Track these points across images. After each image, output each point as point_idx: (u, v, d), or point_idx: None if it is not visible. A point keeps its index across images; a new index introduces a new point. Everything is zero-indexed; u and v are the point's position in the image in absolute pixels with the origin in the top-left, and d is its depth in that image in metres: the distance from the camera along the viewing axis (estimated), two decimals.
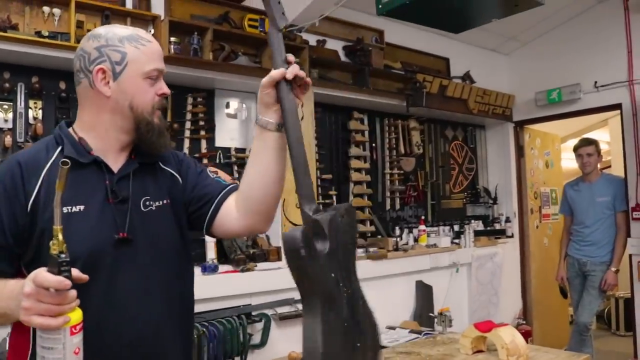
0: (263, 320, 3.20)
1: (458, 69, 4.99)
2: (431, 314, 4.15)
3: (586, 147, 4.43)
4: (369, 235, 4.27)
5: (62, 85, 2.91)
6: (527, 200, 5.46)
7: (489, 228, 5.22)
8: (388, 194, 4.58)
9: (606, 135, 6.68)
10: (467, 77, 5.00)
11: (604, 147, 5.16)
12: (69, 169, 1.01)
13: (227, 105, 3.62)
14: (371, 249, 4.02)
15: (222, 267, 3.18)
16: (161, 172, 1.41)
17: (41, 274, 1.00)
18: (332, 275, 1.23)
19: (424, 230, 4.46)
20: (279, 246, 3.48)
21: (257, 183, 1.35)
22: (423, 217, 4.72)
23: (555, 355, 2.32)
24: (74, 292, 1.02)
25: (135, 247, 1.28)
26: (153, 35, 3.00)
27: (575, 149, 4.52)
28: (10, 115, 2.78)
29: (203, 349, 2.85)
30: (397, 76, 4.36)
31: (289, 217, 3.49)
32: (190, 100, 3.41)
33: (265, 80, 1.29)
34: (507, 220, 5.32)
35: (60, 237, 1.01)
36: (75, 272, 1.03)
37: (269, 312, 3.24)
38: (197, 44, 3.15)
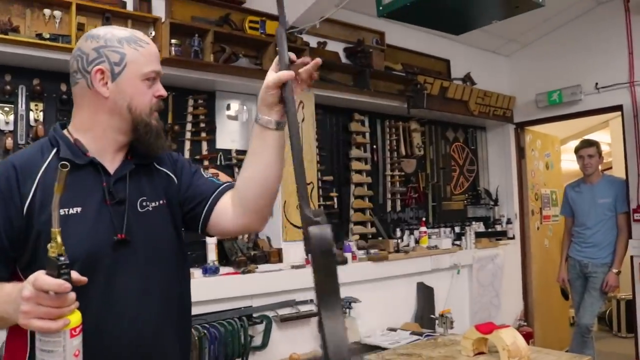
0: (264, 322, 3.20)
1: (459, 70, 4.99)
2: (432, 316, 4.14)
3: (587, 149, 4.43)
4: (370, 236, 4.27)
5: (63, 88, 2.92)
6: (528, 201, 5.46)
7: (490, 230, 5.22)
8: (389, 195, 4.58)
9: (607, 136, 6.68)
10: (467, 78, 5.00)
11: (605, 148, 5.15)
12: (68, 171, 1.01)
13: (228, 107, 3.63)
14: (372, 251, 4.02)
15: (223, 269, 3.18)
16: (157, 172, 1.41)
17: (40, 277, 1.00)
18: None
19: (425, 232, 4.46)
20: (280, 248, 3.48)
21: (256, 181, 1.35)
22: (424, 219, 4.71)
23: (556, 357, 2.31)
24: (73, 295, 1.02)
25: (133, 248, 1.28)
26: (154, 37, 3.01)
27: (576, 151, 4.52)
28: (11, 117, 2.78)
29: (204, 351, 2.85)
30: (397, 78, 4.36)
31: (290, 219, 3.49)
32: (191, 102, 3.42)
33: (272, 81, 1.27)
34: (508, 221, 5.32)
35: (59, 239, 1.01)
36: (74, 274, 1.02)
37: (270, 313, 3.24)
38: (198, 46, 3.15)
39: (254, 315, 3.17)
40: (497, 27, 3.71)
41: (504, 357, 2.15)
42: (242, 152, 3.62)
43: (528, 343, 2.72)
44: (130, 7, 3.05)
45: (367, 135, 4.42)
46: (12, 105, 2.79)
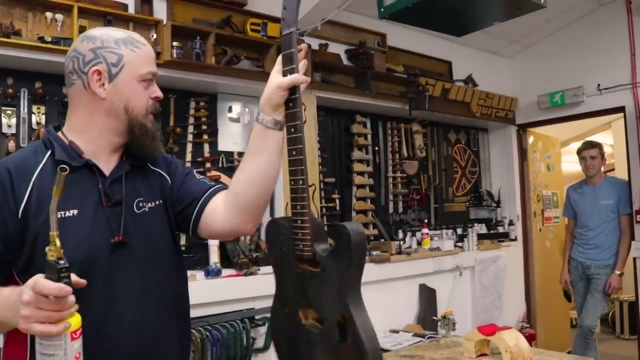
0: (266, 324, 3.20)
1: (460, 72, 4.99)
2: (434, 318, 4.14)
3: (589, 150, 4.43)
4: (372, 238, 4.27)
5: (65, 91, 2.91)
6: (530, 203, 5.45)
7: (492, 231, 5.22)
8: (391, 197, 4.57)
9: (609, 138, 6.66)
10: (469, 80, 5.00)
11: (607, 150, 5.14)
12: (67, 175, 1.00)
13: (230, 110, 3.63)
14: (374, 253, 4.01)
15: (225, 271, 3.19)
16: (152, 173, 1.41)
17: (40, 281, 0.99)
18: None
19: (427, 234, 4.45)
20: None
21: (255, 181, 1.35)
22: (426, 221, 4.71)
23: (559, 358, 2.30)
24: (73, 298, 1.01)
25: (130, 250, 1.28)
26: (155, 40, 3.01)
27: (579, 152, 4.52)
28: (13, 120, 2.79)
29: (206, 353, 2.85)
30: (399, 79, 4.36)
31: None
32: (192, 104, 3.42)
33: (286, 82, 1.29)
34: (511, 223, 5.31)
35: (58, 243, 1.01)
36: (73, 277, 1.02)
37: None
38: (200, 49, 3.16)
39: (256, 317, 3.17)
40: (499, 28, 3.70)
41: (506, 359, 2.15)
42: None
43: (530, 345, 2.71)
44: (131, 9, 3.06)
45: (369, 137, 4.42)
46: (14, 108, 2.80)
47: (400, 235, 4.50)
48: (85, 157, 1.28)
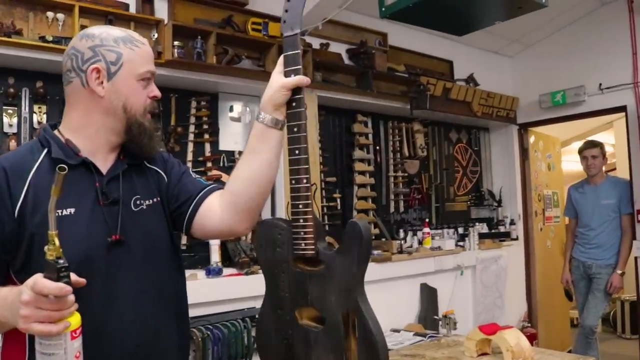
0: None
1: (462, 71, 4.99)
2: (436, 317, 4.14)
3: (591, 150, 4.43)
4: (374, 238, 4.27)
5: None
6: (532, 202, 5.45)
7: (493, 230, 5.21)
8: (392, 196, 4.57)
9: (611, 137, 6.66)
10: (470, 79, 5.00)
11: (609, 149, 5.14)
12: (66, 174, 1.00)
13: (231, 109, 3.63)
14: (375, 252, 4.01)
15: (227, 270, 3.19)
16: (148, 171, 1.40)
17: (40, 281, 0.98)
18: None
19: (428, 233, 4.45)
20: None
21: (254, 179, 1.35)
22: (427, 220, 4.71)
23: (560, 358, 2.30)
24: (72, 297, 1.01)
25: (128, 248, 1.27)
26: (156, 39, 3.01)
27: (580, 151, 4.52)
28: (15, 120, 2.79)
29: (207, 352, 2.86)
30: (400, 79, 4.36)
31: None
32: (194, 104, 3.42)
33: (290, 83, 1.32)
34: (512, 222, 5.30)
35: (57, 242, 1.00)
36: (73, 276, 1.02)
37: None
38: (201, 48, 3.16)
39: (257, 316, 3.17)
40: (500, 27, 3.70)
41: (507, 358, 2.14)
42: None
43: (532, 344, 2.71)
44: (132, 9, 3.06)
45: (370, 136, 4.41)
46: (16, 108, 2.80)
47: (402, 234, 4.50)
48: (82, 155, 1.27)
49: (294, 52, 1.34)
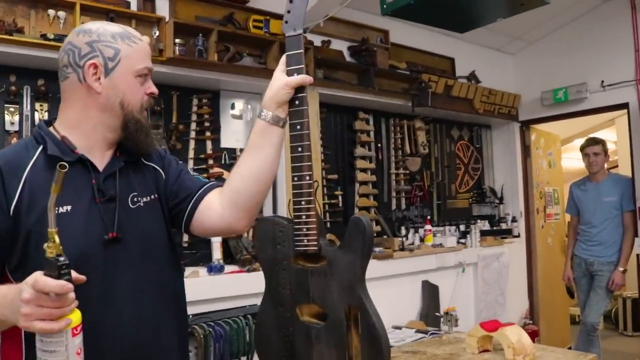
0: None
1: (463, 68, 4.98)
2: (437, 314, 4.14)
3: (593, 147, 4.42)
4: (375, 235, 4.27)
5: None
6: (534, 200, 5.44)
7: (495, 228, 5.21)
8: (394, 194, 4.57)
9: (613, 134, 6.65)
10: (472, 76, 4.99)
11: (611, 146, 5.13)
12: (66, 172, 0.99)
13: (232, 107, 3.63)
14: (377, 249, 4.01)
15: (228, 268, 3.19)
16: (145, 167, 1.39)
17: (40, 278, 0.97)
18: None
19: (430, 230, 4.45)
20: None
21: (255, 176, 1.34)
22: (429, 217, 4.71)
23: (562, 354, 2.30)
24: (73, 294, 1.00)
25: (125, 246, 1.26)
26: (158, 37, 3.02)
27: (582, 149, 4.51)
28: (16, 118, 2.79)
29: (209, 349, 2.86)
30: (402, 76, 4.36)
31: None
32: (195, 101, 3.42)
33: (294, 81, 1.33)
34: (514, 220, 5.30)
35: (57, 239, 0.99)
36: (73, 274, 1.01)
37: None
38: (202, 45, 3.16)
39: (257, 314, 3.17)
40: (502, 24, 3.69)
41: (509, 355, 2.15)
42: None
43: (533, 341, 2.71)
44: (134, 7, 3.06)
45: (372, 133, 4.41)
46: (17, 106, 2.80)
47: (403, 231, 4.50)
48: (79, 152, 1.26)
49: (296, 51, 1.35)
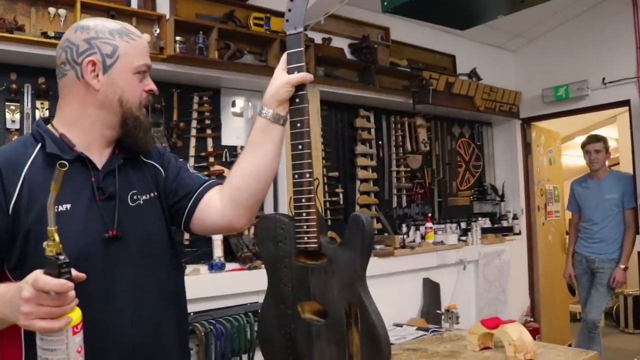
0: None
1: (464, 66, 4.97)
2: (438, 311, 4.14)
3: (594, 144, 4.42)
4: (376, 232, 4.26)
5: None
6: (535, 197, 5.44)
7: (496, 225, 5.21)
8: (395, 191, 4.57)
9: (614, 132, 6.64)
10: (473, 74, 4.99)
11: (612, 144, 5.13)
12: (66, 171, 0.98)
13: (233, 104, 3.63)
14: (378, 247, 4.01)
15: (229, 265, 3.19)
16: (145, 165, 1.39)
17: (40, 277, 0.97)
18: None
19: (431, 228, 4.45)
20: None
21: (256, 174, 1.34)
22: (430, 215, 4.71)
23: (562, 352, 2.31)
24: (73, 292, 0.99)
25: (125, 244, 1.26)
26: (158, 34, 3.01)
27: (583, 146, 4.51)
28: (17, 116, 2.79)
29: (210, 347, 2.86)
30: (403, 73, 4.35)
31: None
32: (196, 99, 3.42)
33: (295, 79, 1.34)
34: (515, 217, 5.30)
35: (57, 238, 0.99)
36: (73, 272, 1.00)
37: None
38: (203, 43, 3.16)
39: (259, 311, 3.18)
40: (502, 22, 3.68)
41: (509, 352, 2.15)
42: None
43: (534, 339, 2.71)
44: (134, 4, 3.06)
45: (373, 131, 4.41)
46: (18, 104, 2.80)
47: (404, 229, 4.49)
48: (77, 150, 1.25)
49: (297, 50, 1.36)
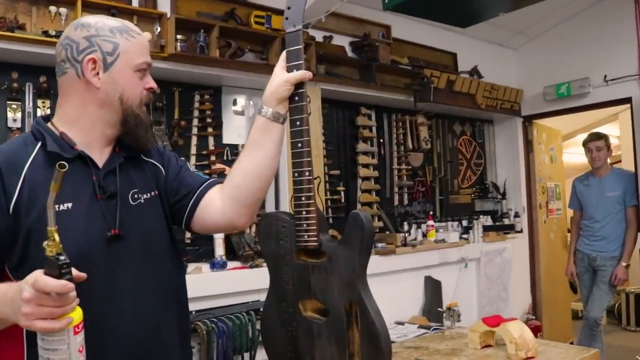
0: None
1: (466, 63, 4.97)
2: (440, 309, 4.14)
3: (596, 142, 4.41)
4: (377, 230, 4.26)
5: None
6: (536, 195, 5.44)
7: (497, 223, 5.20)
8: (396, 189, 4.57)
9: (616, 129, 6.63)
10: (474, 72, 4.98)
11: (614, 141, 5.11)
12: (66, 171, 0.97)
13: (234, 102, 3.63)
14: (379, 245, 4.01)
15: (231, 264, 3.19)
16: (145, 164, 1.38)
17: (41, 278, 0.96)
18: None
19: (432, 226, 4.45)
20: None
21: (257, 172, 1.34)
22: (431, 213, 4.71)
23: (564, 349, 2.30)
24: (74, 292, 0.99)
25: (126, 243, 1.25)
26: (159, 33, 3.01)
27: (585, 144, 4.50)
28: (19, 114, 2.79)
29: (212, 345, 2.86)
30: (404, 71, 4.35)
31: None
32: (197, 97, 3.42)
33: (294, 78, 1.34)
34: (516, 215, 5.30)
35: (57, 238, 0.98)
36: (74, 271, 0.99)
37: None
38: (204, 41, 3.16)
39: (262, 309, 3.17)
40: (504, 19, 3.68)
41: (511, 350, 2.15)
42: None
43: (536, 336, 2.71)
44: (135, 3, 3.06)
45: (374, 129, 4.41)
46: (20, 103, 2.80)
47: (406, 227, 4.49)
48: (78, 148, 1.25)
49: (296, 47, 1.36)
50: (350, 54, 4.12)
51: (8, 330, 1.14)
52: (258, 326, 3.12)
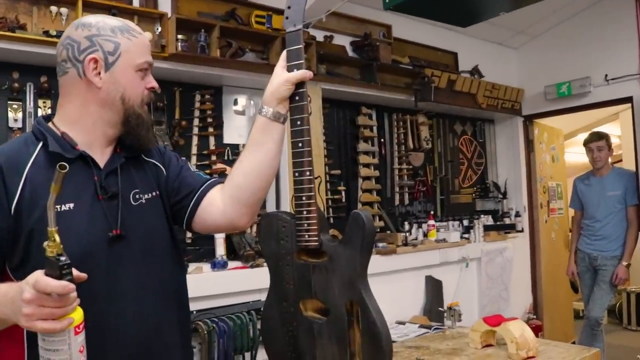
0: None
1: (466, 63, 4.97)
2: (441, 309, 4.14)
3: (596, 141, 4.41)
4: (378, 230, 4.26)
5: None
6: (537, 194, 5.43)
7: (498, 223, 5.20)
8: (397, 189, 4.57)
9: (617, 129, 6.62)
10: (475, 71, 4.98)
11: (615, 141, 5.11)
12: (66, 172, 0.97)
13: (235, 102, 3.63)
14: (380, 244, 4.01)
15: (232, 263, 3.19)
16: (146, 164, 1.38)
17: (41, 279, 0.96)
18: None
19: (433, 225, 4.45)
20: None
21: (258, 172, 1.34)
22: (432, 212, 4.71)
23: (565, 349, 2.30)
24: (74, 293, 0.99)
25: (128, 243, 1.25)
26: (160, 33, 3.01)
27: (586, 143, 4.50)
28: (20, 114, 2.80)
29: (213, 345, 2.87)
30: (405, 71, 4.35)
31: None
32: (198, 97, 3.42)
33: (294, 77, 1.34)
34: (517, 214, 5.29)
35: (57, 238, 0.98)
36: (75, 272, 0.99)
37: None
38: (205, 41, 3.16)
39: (262, 309, 3.18)
40: (504, 19, 3.68)
41: (512, 350, 2.15)
42: None
43: (537, 336, 2.71)
44: (136, 3, 3.06)
45: (375, 128, 4.41)
46: (21, 103, 2.81)
47: (406, 227, 4.49)
48: (80, 148, 1.24)
49: (296, 47, 1.36)
50: (351, 53, 4.12)
51: (8, 331, 1.14)
52: (259, 326, 3.12)
